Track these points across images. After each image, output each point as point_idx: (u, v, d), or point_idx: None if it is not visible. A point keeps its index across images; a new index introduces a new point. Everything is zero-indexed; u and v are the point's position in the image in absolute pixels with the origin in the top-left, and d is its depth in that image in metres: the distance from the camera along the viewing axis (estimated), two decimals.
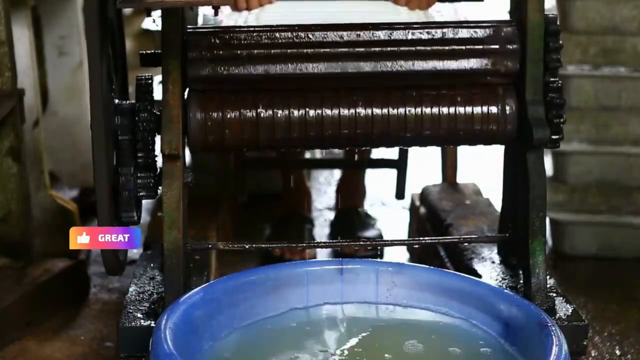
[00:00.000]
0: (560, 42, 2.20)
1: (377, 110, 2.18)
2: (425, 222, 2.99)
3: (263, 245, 2.79)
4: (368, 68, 2.17)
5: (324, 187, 3.82)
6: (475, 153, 3.65)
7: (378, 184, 3.70)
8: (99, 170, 1.98)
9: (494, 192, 2.90)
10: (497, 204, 2.60)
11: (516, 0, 2.24)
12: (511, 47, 2.18)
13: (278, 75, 2.15)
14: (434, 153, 3.22)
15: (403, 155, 3.24)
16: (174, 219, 2.11)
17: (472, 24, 2.22)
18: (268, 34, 2.17)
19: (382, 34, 2.18)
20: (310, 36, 2.17)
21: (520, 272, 2.26)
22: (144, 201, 2.19)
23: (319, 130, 2.18)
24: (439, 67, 2.18)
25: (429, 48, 2.18)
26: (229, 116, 2.16)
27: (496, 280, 2.31)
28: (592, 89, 3.21)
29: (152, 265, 2.38)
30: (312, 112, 2.17)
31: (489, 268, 2.38)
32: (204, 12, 2.42)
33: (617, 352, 2.64)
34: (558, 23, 2.21)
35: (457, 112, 2.19)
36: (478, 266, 2.39)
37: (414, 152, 3.15)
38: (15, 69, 2.73)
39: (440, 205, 2.88)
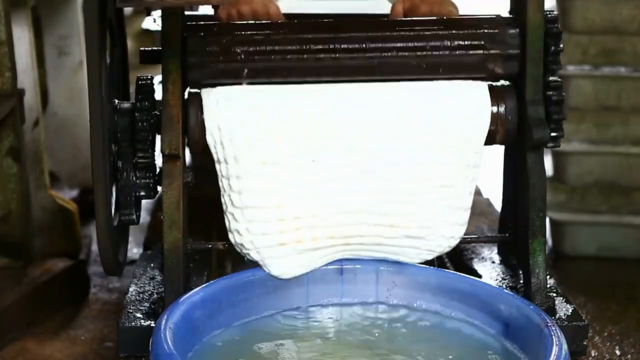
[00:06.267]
0: (558, 28, 2.19)
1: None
2: None
3: None
4: (368, 62, 2.16)
5: None
6: None
7: None
8: (98, 171, 1.98)
9: (494, 192, 2.90)
10: (497, 204, 2.59)
11: (516, 0, 2.24)
12: (511, 48, 2.18)
13: (278, 68, 2.15)
14: None
15: None
16: (174, 219, 2.11)
17: (472, 22, 2.22)
18: (267, 31, 2.17)
19: (382, 31, 2.19)
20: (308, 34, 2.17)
21: (520, 272, 2.26)
22: (143, 201, 2.19)
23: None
24: (438, 62, 2.17)
25: (430, 43, 2.18)
26: None
27: (496, 280, 2.30)
28: (592, 89, 3.21)
29: (152, 265, 2.38)
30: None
31: (489, 268, 2.38)
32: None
33: (617, 352, 2.64)
34: (559, 23, 2.21)
35: None
36: (478, 266, 2.39)
37: None
38: (15, 69, 2.73)
39: None
